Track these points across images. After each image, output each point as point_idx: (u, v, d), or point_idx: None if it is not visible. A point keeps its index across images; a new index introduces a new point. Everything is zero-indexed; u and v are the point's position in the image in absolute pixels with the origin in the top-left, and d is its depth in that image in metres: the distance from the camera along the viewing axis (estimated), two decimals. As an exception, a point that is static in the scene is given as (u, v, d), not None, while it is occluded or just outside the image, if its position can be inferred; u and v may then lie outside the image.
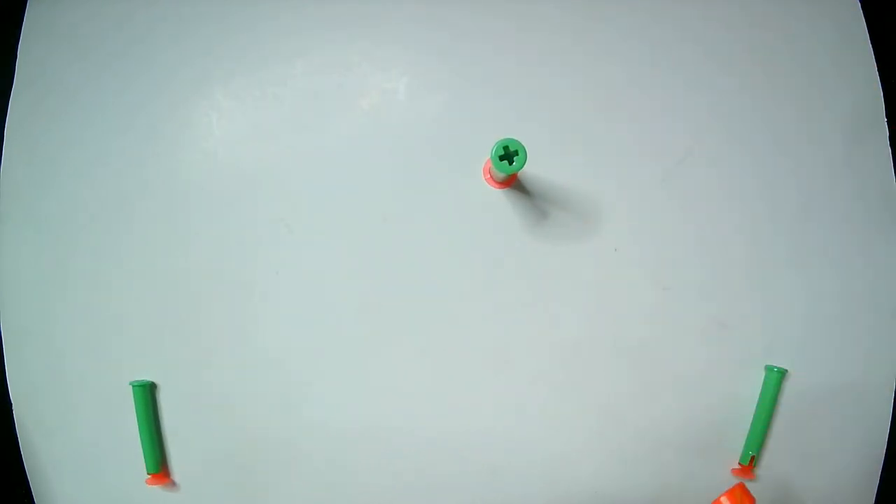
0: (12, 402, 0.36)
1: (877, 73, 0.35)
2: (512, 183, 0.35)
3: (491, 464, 0.34)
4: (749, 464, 0.33)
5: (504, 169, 0.29)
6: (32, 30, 0.37)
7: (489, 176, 0.35)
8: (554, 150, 0.34)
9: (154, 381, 0.35)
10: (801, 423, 0.34)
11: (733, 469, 0.34)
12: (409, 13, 0.36)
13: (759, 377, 0.34)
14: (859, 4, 0.36)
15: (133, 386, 0.34)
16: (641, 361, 0.34)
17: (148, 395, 0.35)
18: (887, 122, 0.35)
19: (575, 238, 0.35)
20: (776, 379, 0.33)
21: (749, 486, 0.34)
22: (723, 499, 0.30)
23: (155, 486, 0.35)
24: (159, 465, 0.35)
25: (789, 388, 0.34)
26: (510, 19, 0.36)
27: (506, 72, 0.35)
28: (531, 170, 0.34)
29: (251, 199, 0.35)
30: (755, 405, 0.34)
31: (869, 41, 0.36)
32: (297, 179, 0.35)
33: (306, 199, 0.35)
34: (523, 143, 0.29)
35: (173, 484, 0.35)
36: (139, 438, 0.35)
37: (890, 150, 0.35)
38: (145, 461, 0.35)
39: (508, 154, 0.29)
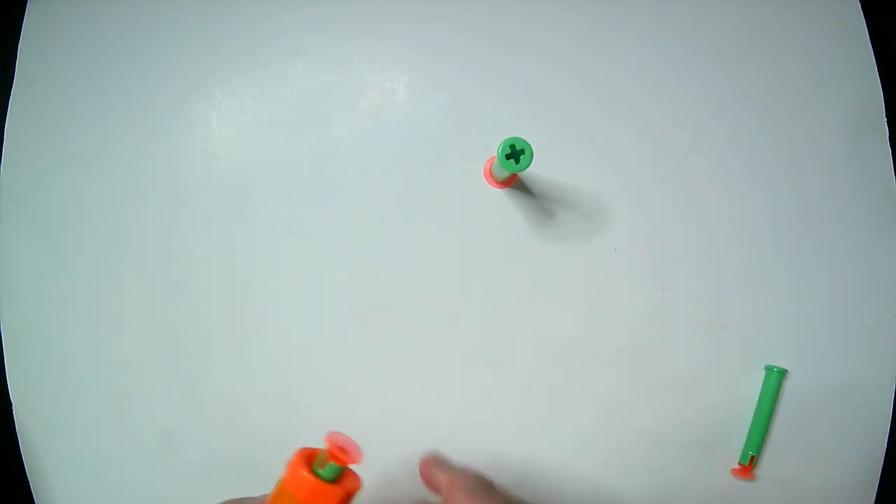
0: (12, 402, 0.36)
1: (877, 73, 0.35)
2: (512, 183, 0.35)
3: (492, 463, 0.34)
4: (749, 463, 0.33)
5: (510, 167, 0.29)
6: (32, 30, 0.37)
7: (489, 176, 0.35)
8: (554, 151, 0.34)
9: (156, 380, 0.35)
10: (801, 423, 0.34)
11: (733, 469, 0.34)
12: (409, 13, 0.36)
13: (759, 377, 0.34)
14: (859, 4, 0.36)
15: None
16: (641, 361, 0.34)
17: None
18: (887, 122, 0.35)
19: (575, 238, 0.35)
20: (776, 379, 0.33)
21: (749, 486, 0.34)
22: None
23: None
24: None
25: (789, 388, 0.34)
26: (510, 19, 0.36)
27: (506, 72, 0.35)
28: (531, 170, 0.34)
29: (251, 200, 0.35)
30: (755, 405, 0.34)
31: (869, 41, 0.36)
32: (296, 179, 0.35)
33: (306, 199, 0.35)
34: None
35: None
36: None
37: (890, 150, 0.35)
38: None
39: (515, 153, 0.29)
